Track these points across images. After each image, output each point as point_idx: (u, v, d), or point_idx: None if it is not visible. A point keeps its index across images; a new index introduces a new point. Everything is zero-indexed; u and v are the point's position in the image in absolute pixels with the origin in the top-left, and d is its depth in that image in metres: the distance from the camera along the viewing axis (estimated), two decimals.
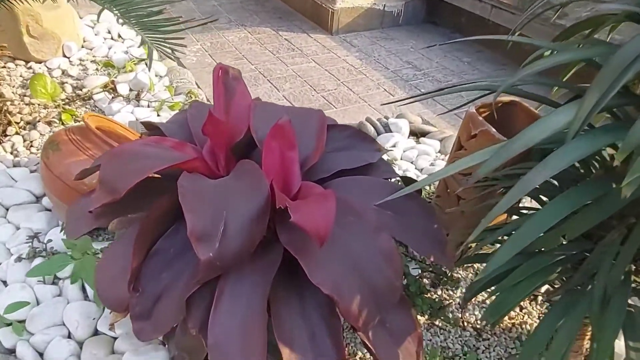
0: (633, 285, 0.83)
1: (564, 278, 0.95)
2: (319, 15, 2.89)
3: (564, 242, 0.94)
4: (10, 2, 1.32)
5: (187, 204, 0.64)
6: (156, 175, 0.85)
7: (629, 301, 0.85)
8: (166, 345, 1.07)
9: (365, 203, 0.74)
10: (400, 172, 1.57)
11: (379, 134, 1.78)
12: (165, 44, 1.05)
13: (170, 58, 1.07)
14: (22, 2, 1.36)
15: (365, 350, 1.12)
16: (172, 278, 0.70)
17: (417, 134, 1.83)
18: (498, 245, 1.18)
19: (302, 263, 0.65)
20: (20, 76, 2.00)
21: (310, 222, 0.61)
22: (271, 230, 0.81)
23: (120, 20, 1.10)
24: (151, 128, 0.94)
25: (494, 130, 1.07)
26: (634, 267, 0.85)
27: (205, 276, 0.64)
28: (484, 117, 1.13)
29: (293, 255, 0.69)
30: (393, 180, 0.91)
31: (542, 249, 0.96)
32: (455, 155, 1.17)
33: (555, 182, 1.02)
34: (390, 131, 1.79)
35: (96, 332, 1.11)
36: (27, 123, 1.72)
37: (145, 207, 0.75)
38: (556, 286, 1.02)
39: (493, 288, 0.93)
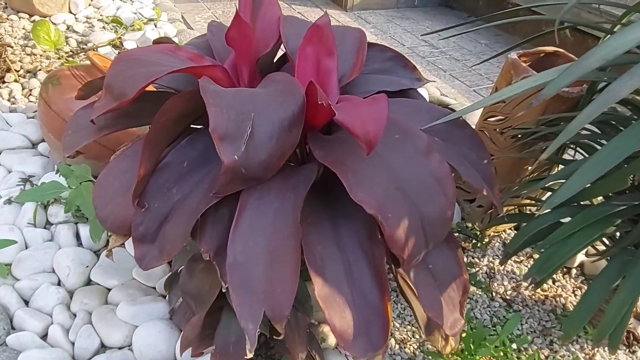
0: None
1: (617, 235, 0.86)
2: None
3: (611, 195, 0.84)
4: None
5: (210, 98, 0.53)
6: (170, 90, 0.75)
7: None
8: (166, 297, 0.96)
9: (412, 123, 0.64)
10: None
11: None
12: None
13: None
14: None
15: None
16: (183, 194, 0.60)
17: (436, 105, 1.73)
18: (530, 207, 1.09)
19: (341, 178, 0.55)
20: (23, 28, 1.89)
21: (359, 122, 0.51)
22: (299, 156, 0.71)
23: None
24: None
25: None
26: None
27: (226, 186, 0.54)
28: None
29: (324, 176, 0.59)
30: None
31: (597, 200, 0.87)
32: (492, 108, 1.07)
33: (597, 130, 0.93)
34: None
35: (89, 282, 1.01)
36: (28, 72, 1.62)
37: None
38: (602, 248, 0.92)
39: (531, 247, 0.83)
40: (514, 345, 0.80)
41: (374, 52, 0.78)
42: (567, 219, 0.81)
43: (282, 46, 0.76)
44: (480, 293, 1.08)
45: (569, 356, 0.97)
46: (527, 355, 0.86)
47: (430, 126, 0.66)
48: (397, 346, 0.96)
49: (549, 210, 0.86)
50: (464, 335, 0.84)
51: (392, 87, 0.73)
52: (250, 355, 0.47)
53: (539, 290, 1.10)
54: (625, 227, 0.82)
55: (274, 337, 0.57)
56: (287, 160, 0.59)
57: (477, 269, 1.13)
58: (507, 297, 1.08)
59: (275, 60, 0.84)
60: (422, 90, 1.73)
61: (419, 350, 0.95)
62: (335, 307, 0.54)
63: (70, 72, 1.12)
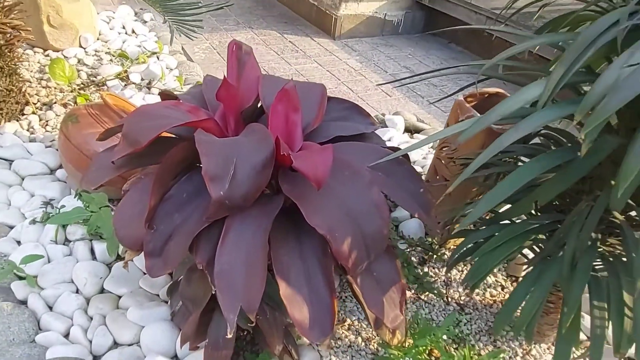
0: (599, 250, 0.92)
1: (537, 247, 1.04)
2: (322, 21, 3.01)
3: (538, 214, 1.03)
4: None
5: (203, 148, 0.72)
6: (172, 135, 0.94)
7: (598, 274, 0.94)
8: (168, 302, 1.14)
9: (360, 163, 0.83)
10: None
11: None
12: (184, 25, 1.15)
13: (190, 37, 1.16)
14: None
15: (355, 318, 1.20)
16: (183, 218, 0.79)
17: (411, 130, 1.92)
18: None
19: (301, 207, 0.73)
20: (38, 62, 2.10)
21: (310, 167, 0.70)
22: (274, 186, 0.90)
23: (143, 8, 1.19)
24: (168, 98, 1.03)
25: (479, 115, 1.16)
26: (601, 235, 0.94)
27: (214, 214, 0.73)
28: (471, 106, 1.22)
29: (293, 202, 0.78)
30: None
31: (517, 220, 1.05)
32: (444, 141, 1.26)
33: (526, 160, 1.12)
34: (386, 127, 1.89)
35: (103, 290, 1.19)
36: (44, 104, 1.81)
37: (161, 160, 0.83)
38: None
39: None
40: (445, 337, 0.98)
41: (333, 103, 0.97)
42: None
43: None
44: (437, 298, 1.26)
45: (509, 351, 1.15)
46: (462, 348, 1.04)
47: (374, 164, 0.85)
48: (363, 344, 1.14)
49: (485, 227, 1.05)
50: (413, 332, 1.02)
51: (349, 132, 0.92)
52: (230, 335, 0.66)
53: (488, 295, 1.28)
54: (544, 241, 1.01)
55: (249, 324, 0.75)
56: (264, 189, 0.78)
57: (436, 277, 1.32)
58: (461, 302, 1.26)
59: (258, 106, 1.04)
60: (398, 118, 1.92)
61: (381, 347, 1.13)
62: (296, 304, 0.72)
63: (86, 111, 1.32)
